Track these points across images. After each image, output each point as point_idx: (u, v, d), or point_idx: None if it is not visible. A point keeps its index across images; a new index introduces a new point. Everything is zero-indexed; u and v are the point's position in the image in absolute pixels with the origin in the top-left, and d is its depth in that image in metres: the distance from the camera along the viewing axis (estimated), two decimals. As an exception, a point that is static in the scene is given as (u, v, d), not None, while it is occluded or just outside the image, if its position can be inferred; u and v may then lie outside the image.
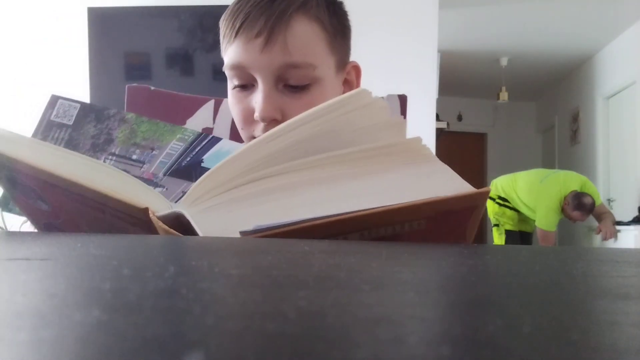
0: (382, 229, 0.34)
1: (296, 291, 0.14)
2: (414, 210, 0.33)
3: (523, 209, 3.37)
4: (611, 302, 0.14)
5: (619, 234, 3.92)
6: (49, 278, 0.16)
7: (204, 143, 0.50)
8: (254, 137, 0.65)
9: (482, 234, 4.10)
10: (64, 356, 0.08)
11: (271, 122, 0.63)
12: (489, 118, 6.34)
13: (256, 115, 0.63)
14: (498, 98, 5.20)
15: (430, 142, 3.03)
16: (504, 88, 5.14)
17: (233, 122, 0.89)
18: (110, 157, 0.50)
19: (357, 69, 0.74)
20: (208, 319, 0.10)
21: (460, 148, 6.19)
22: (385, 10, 3.06)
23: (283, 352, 0.08)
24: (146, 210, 0.36)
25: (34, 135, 0.51)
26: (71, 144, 0.51)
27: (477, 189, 0.35)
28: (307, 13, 0.64)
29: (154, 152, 0.50)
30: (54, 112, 0.52)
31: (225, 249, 0.26)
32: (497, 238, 3.55)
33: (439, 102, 3.42)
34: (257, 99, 0.63)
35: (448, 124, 4.42)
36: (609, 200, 4.65)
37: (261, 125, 0.64)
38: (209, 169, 0.49)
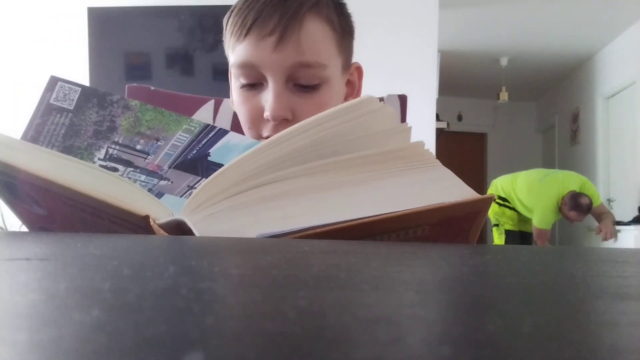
0: (386, 236, 0.34)
1: (296, 291, 0.14)
2: (417, 217, 0.33)
3: (521, 209, 3.38)
4: (611, 302, 0.14)
5: (619, 234, 3.92)
6: (49, 278, 0.16)
7: (210, 135, 0.49)
8: (262, 137, 0.65)
9: (482, 234, 4.12)
10: (64, 356, 0.08)
11: (281, 121, 0.62)
12: (489, 118, 6.34)
13: (266, 114, 0.62)
14: (498, 98, 5.20)
15: (430, 142, 3.03)
16: (504, 88, 5.14)
17: (233, 122, 0.89)
18: (113, 145, 0.48)
19: (359, 70, 0.74)
20: (208, 319, 0.10)
21: (460, 148, 6.20)
22: (385, 10, 3.06)
23: (283, 352, 0.08)
24: (147, 217, 0.36)
25: (32, 119, 0.49)
26: (72, 130, 0.49)
27: (478, 189, 0.35)
28: (319, 13, 0.63)
29: (159, 142, 0.48)
30: (54, 95, 0.50)
31: (225, 249, 0.26)
32: (497, 238, 3.55)
33: (439, 102, 3.42)
34: (268, 98, 0.62)
35: (448, 124, 4.42)
36: (609, 200, 4.65)
37: (270, 124, 0.63)
38: (215, 163, 0.48)
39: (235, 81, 0.67)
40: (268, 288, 0.14)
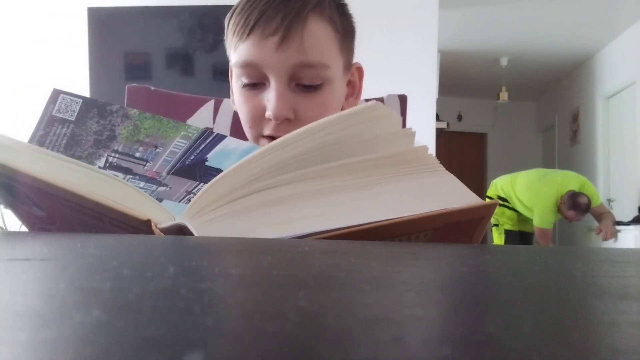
0: (388, 241, 0.34)
1: (296, 291, 0.14)
2: (420, 223, 0.33)
3: (521, 209, 3.38)
4: (611, 302, 0.14)
5: (619, 234, 3.92)
6: (49, 278, 0.16)
7: (208, 141, 0.49)
8: (263, 136, 0.65)
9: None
10: (64, 356, 0.08)
11: (283, 121, 0.62)
12: (489, 118, 6.34)
13: (268, 113, 0.62)
14: (498, 98, 5.21)
15: (430, 142, 3.03)
16: (504, 88, 5.14)
17: (233, 122, 0.89)
18: (113, 154, 0.50)
19: (360, 71, 0.74)
20: (208, 319, 0.10)
21: (460, 148, 6.20)
22: (386, 10, 3.06)
23: (283, 352, 0.08)
24: (148, 222, 0.36)
25: (36, 130, 0.50)
26: (73, 140, 0.50)
27: (478, 189, 0.35)
28: (321, 13, 0.63)
29: (157, 149, 0.49)
30: (56, 107, 0.51)
31: (225, 249, 0.26)
32: (497, 238, 3.55)
33: (439, 102, 3.42)
34: (270, 97, 0.62)
35: (448, 124, 4.42)
36: (609, 200, 4.65)
37: (272, 124, 0.63)
38: (213, 168, 0.48)
39: (237, 81, 0.67)
40: (268, 288, 0.14)
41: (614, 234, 3.47)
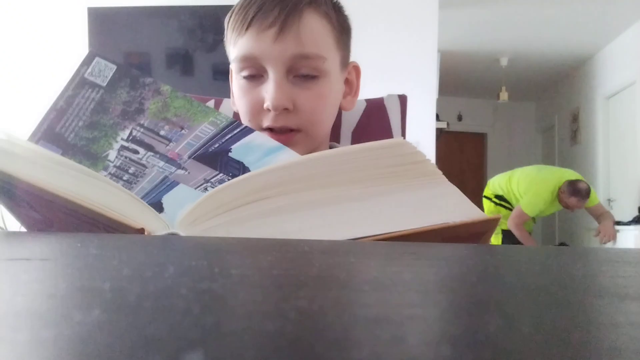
0: None
1: (296, 291, 0.14)
2: (421, 237, 0.32)
3: (516, 203, 3.39)
4: (611, 302, 0.14)
5: (618, 234, 3.92)
6: (49, 278, 0.16)
7: (235, 132, 0.48)
8: (262, 128, 0.66)
9: (482, 234, 4.15)
10: (64, 356, 0.08)
11: (282, 111, 0.63)
12: (489, 118, 6.33)
13: (267, 104, 0.63)
14: (498, 98, 5.20)
15: (430, 142, 3.03)
16: (504, 88, 5.14)
17: (233, 122, 0.89)
18: (138, 127, 0.49)
19: (357, 69, 0.75)
20: (208, 320, 0.10)
21: (460, 148, 6.19)
22: (386, 10, 3.06)
23: (283, 352, 0.08)
24: (142, 230, 0.36)
25: (64, 91, 0.49)
26: (101, 107, 0.49)
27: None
28: (317, 9, 0.66)
29: (183, 131, 0.48)
30: (89, 70, 0.50)
31: (225, 249, 0.26)
32: (494, 238, 3.56)
33: (439, 102, 3.42)
34: (268, 88, 0.64)
35: (448, 124, 4.42)
36: (609, 200, 4.65)
37: (271, 114, 0.64)
38: (235, 160, 0.47)
39: (236, 76, 0.68)
40: (268, 288, 0.14)
41: (614, 236, 3.47)
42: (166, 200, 0.45)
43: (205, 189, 0.46)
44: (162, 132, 0.49)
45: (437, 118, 3.40)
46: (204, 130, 0.49)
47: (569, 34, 4.46)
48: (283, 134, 0.64)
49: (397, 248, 0.28)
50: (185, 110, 0.49)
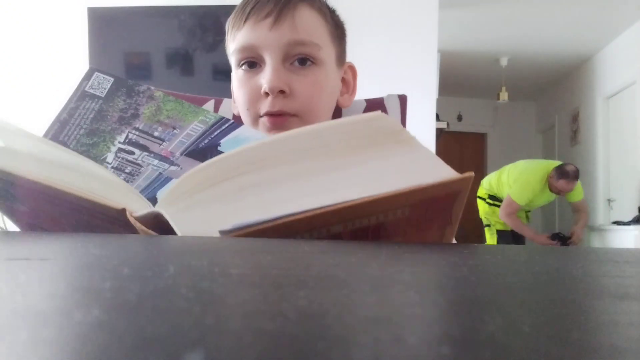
0: (365, 219, 0.34)
1: (296, 291, 0.14)
2: (396, 199, 0.32)
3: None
4: (611, 302, 0.14)
5: (618, 234, 3.93)
6: (49, 278, 0.16)
7: (223, 127, 0.52)
8: (260, 115, 0.67)
9: (480, 235, 4.13)
10: (64, 356, 0.08)
11: (278, 94, 0.65)
12: (489, 118, 6.33)
13: (264, 87, 0.65)
14: (498, 98, 5.20)
15: (430, 142, 3.03)
16: (504, 88, 5.14)
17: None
18: (134, 131, 0.52)
19: (353, 70, 0.77)
20: (208, 319, 0.10)
21: (460, 148, 6.19)
22: (386, 11, 3.06)
23: (283, 352, 0.08)
24: (123, 211, 0.36)
25: (68, 103, 0.53)
26: (100, 115, 0.53)
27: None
28: (312, 5, 0.69)
29: (175, 130, 0.52)
30: (89, 84, 0.55)
31: (225, 249, 0.26)
32: (489, 239, 3.56)
33: (439, 102, 3.41)
34: (265, 73, 0.66)
35: (448, 124, 4.42)
36: (609, 200, 4.65)
37: (268, 100, 0.65)
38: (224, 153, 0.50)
39: (236, 68, 0.70)
40: (268, 288, 0.14)
41: (580, 240, 3.51)
42: (160, 194, 0.48)
43: None
44: (155, 133, 0.52)
45: (437, 118, 3.40)
46: (195, 128, 0.52)
47: (569, 34, 4.46)
48: (280, 117, 0.66)
49: (397, 248, 0.28)
50: (176, 112, 0.53)
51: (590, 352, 0.09)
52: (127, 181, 0.49)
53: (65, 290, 0.13)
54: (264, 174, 0.37)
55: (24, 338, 0.09)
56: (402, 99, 0.88)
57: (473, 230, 4.33)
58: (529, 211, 3.67)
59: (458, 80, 5.47)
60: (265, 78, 0.65)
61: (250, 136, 0.51)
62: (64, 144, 0.52)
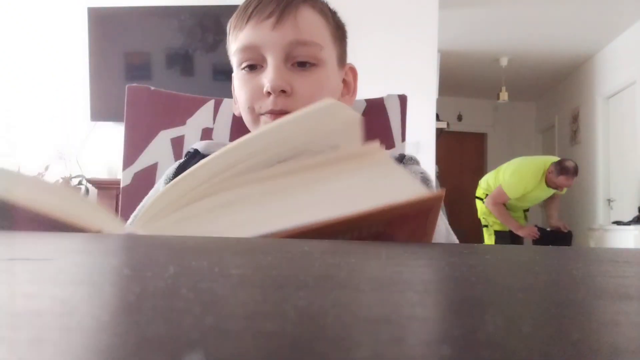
0: (340, 236, 0.34)
1: (296, 291, 0.14)
2: (366, 218, 0.33)
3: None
4: (611, 302, 0.14)
5: (618, 234, 3.92)
6: (49, 278, 0.16)
7: None
8: (261, 115, 0.67)
9: (480, 235, 4.13)
10: (64, 356, 0.08)
11: (280, 94, 0.65)
12: (489, 118, 6.33)
13: (267, 86, 0.65)
14: (498, 98, 5.20)
15: (430, 142, 3.03)
16: (504, 88, 5.14)
17: (234, 122, 0.89)
18: None
19: (354, 71, 0.77)
20: (208, 319, 0.10)
21: (460, 148, 6.19)
22: (386, 11, 3.06)
23: (283, 352, 0.08)
24: (99, 232, 0.36)
25: None
26: None
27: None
28: (314, 6, 0.69)
29: None
30: None
31: (225, 249, 0.26)
32: (487, 239, 3.57)
33: (439, 102, 3.42)
34: (267, 73, 0.66)
35: (448, 124, 4.42)
36: (609, 200, 4.65)
37: (270, 99, 0.66)
38: None
39: (237, 69, 0.70)
40: (268, 288, 0.14)
41: (536, 234, 3.49)
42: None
43: None
44: None
45: (437, 118, 3.40)
46: None
47: (569, 34, 4.46)
48: (282, 116, 0.66)
49: (397, 248, 0.28)
50: None
51: (591, 352, 0.09)
52: None
53: (66, 290, 0.13)
54: (236, 194, 0.37)
55: (24, 338, 0.09)
56: (402, 99, 0.88)
57: (473, 230, 4.33)
58: (527, 210, 3.67)
59: (458, 80, 5.47)
60: (267, 77, 0.66)
61: None
62: None
